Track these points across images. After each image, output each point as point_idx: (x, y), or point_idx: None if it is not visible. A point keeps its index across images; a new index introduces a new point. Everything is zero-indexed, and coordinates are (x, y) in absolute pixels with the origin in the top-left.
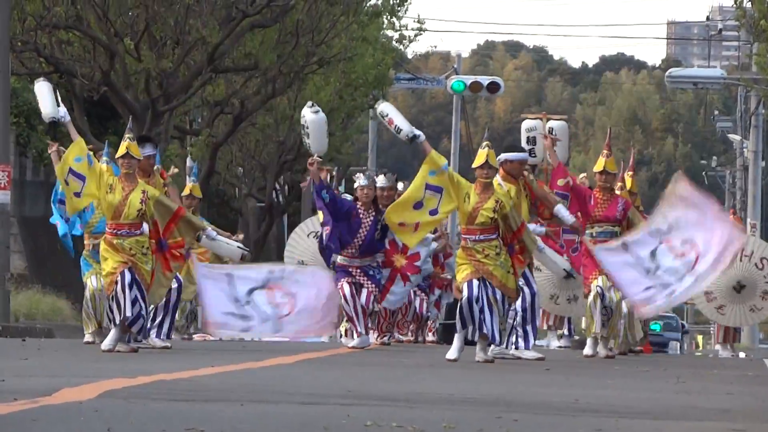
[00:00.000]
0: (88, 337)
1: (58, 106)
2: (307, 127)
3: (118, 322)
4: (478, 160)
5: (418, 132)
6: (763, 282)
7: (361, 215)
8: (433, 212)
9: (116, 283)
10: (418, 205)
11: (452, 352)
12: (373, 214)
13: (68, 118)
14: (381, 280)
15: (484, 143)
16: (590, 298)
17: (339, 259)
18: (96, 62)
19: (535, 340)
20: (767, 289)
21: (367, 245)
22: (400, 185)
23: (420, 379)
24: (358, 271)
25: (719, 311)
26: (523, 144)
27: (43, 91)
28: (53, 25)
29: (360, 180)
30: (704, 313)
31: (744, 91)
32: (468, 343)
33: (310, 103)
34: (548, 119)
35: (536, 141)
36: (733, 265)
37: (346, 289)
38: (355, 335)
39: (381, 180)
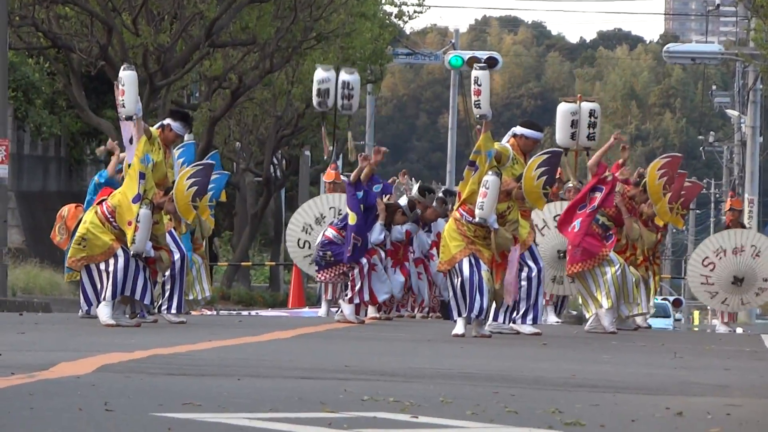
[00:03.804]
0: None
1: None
2: (352, 88)
3: (116, 296)
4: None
5: (489, 115)
6: (760, 270)
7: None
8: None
9: (121, 255)
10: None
11: (458, 328)
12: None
13: (141, 113)
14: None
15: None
16: (616, 270)
17: (330, 233)
18: (94, 37)
19: (538, 315)
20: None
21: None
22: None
23: (417, 354)
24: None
25: (711, 295)
26: (568, 127)
27: (131, 82)
28: None
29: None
30: (697, 296)
31: (742, 66)
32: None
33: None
34: (583, 101)
35: (577, 124)
36: (730, 260)
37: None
38: (347, 306)
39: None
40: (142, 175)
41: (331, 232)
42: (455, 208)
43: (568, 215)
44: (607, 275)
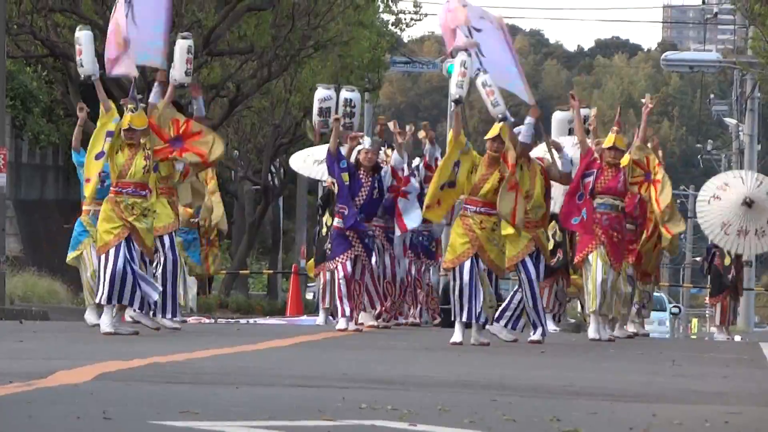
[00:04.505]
0: (92, 317)
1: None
2: (354, 105)
3: (114, 301)
4: (492, 132)
5: (509, 117)
6: None
7: (361, 177)
8: (452, 184)
9: (111, 259)
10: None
11: (456, 336)
12: (373, 176)
13: (98, 74)
14: (373, 250)
15: (500, 117)
16: (595, 275)
17: (336, 221)
18: None
19: (542, 324)
20: None
21: (366, 207)
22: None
23: (415, 363)
24: (356, 237)
25: (725, 230)
26: (565, 133)
27: (88, 41)
28: (49, 8)
29: (364, 143)
30: (710, 237)
31: (740, 74)
32: (466, 325)
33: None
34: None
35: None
36: (734, 188)
37: (347, 268)
38: (340, 316)
39: (366, 142)
40: (109, 133)
41: (337, 220)
42: (459, 214)
43: (569, 207)
44: (588, 283)
